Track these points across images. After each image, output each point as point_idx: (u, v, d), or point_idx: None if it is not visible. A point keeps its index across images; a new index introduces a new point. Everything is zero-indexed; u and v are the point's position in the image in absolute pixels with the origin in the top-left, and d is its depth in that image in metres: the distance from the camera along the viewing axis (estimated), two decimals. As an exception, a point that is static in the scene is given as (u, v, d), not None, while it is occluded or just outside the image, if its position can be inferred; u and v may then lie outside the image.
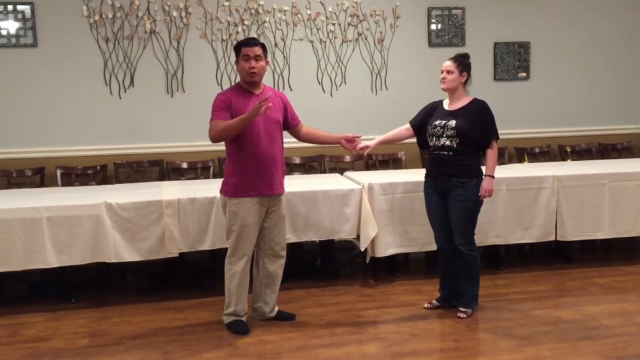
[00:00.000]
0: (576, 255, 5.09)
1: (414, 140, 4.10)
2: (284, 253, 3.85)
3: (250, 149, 3.60)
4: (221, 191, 3.73)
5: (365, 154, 4.01)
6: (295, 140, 4.01)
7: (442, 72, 3.85)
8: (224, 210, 3.73)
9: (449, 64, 3.84)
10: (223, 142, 3.68)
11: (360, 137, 3.94)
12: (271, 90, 3.82)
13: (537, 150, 6.16)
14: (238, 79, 3.80)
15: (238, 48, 3.66)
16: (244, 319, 3.76)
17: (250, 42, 3.66)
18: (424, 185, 3.99)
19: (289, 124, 3.85)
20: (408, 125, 4.06)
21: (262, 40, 5.19)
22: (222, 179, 3.78)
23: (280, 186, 3.74)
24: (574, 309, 4.00)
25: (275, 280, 3.84)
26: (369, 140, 3.99)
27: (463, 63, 3.84)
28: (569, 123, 6.38)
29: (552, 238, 4.77)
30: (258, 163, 3.62)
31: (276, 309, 3.91)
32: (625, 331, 3.62)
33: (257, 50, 3.62)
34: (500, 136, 3.90)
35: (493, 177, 3.83)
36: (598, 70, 6.42)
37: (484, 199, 3.83)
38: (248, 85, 3.68)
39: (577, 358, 3.29)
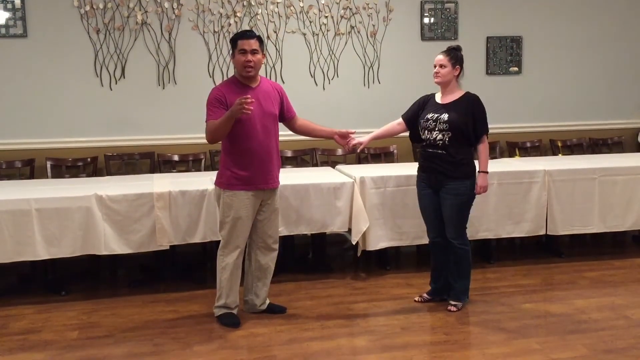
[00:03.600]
0: (566, 250, 5.12)
1: (406, 134, 4.10)
2: (276, 246, 3.85)
3: (246, 142, 3.57)
4: (216, 183, 3.71)
5: (358, 150, 4.01)
6: (287, 133, 4.00)
7: (435, 66, 3.84)
8: (217, 202, 3.72)
9: (441, 58, 3.83)
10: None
11: (354, 132, 3.93)
12: (268, 82, 3.80)
13: (528, 144, 6.18)
14: (230, 71, 3.77)
15: (234, 41, 3.60)
16: (235, 311, 3.76)
17: (247, 34, 3.60)
18: (416, 179, 3.99)
19: (285, 116, 3.83)
20: (400, 120, 4.05)
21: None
22: (217, 171, 3.75)
23: (275, 180, 3.73)
24: (563, 302, 4.03)
25: (267, 273, 3.84)
26: (363, 136, 3.99)
27: (455, 56, 3.83)
28: (561, 118, 6.40)
29: (543, 232, 4.79)
30: (254, 157, 3.60)
31: (267, 301, 3.90)
32: (613, 325, 3.65)
33: (254, 43, 3.56)
34: (492, 130, 3.91)
35: (487, 172, 3.84)
36: (590, 65, 6.43)
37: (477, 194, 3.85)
38: (244, 78, 3.64)
39: (565, 351, 3.31)
